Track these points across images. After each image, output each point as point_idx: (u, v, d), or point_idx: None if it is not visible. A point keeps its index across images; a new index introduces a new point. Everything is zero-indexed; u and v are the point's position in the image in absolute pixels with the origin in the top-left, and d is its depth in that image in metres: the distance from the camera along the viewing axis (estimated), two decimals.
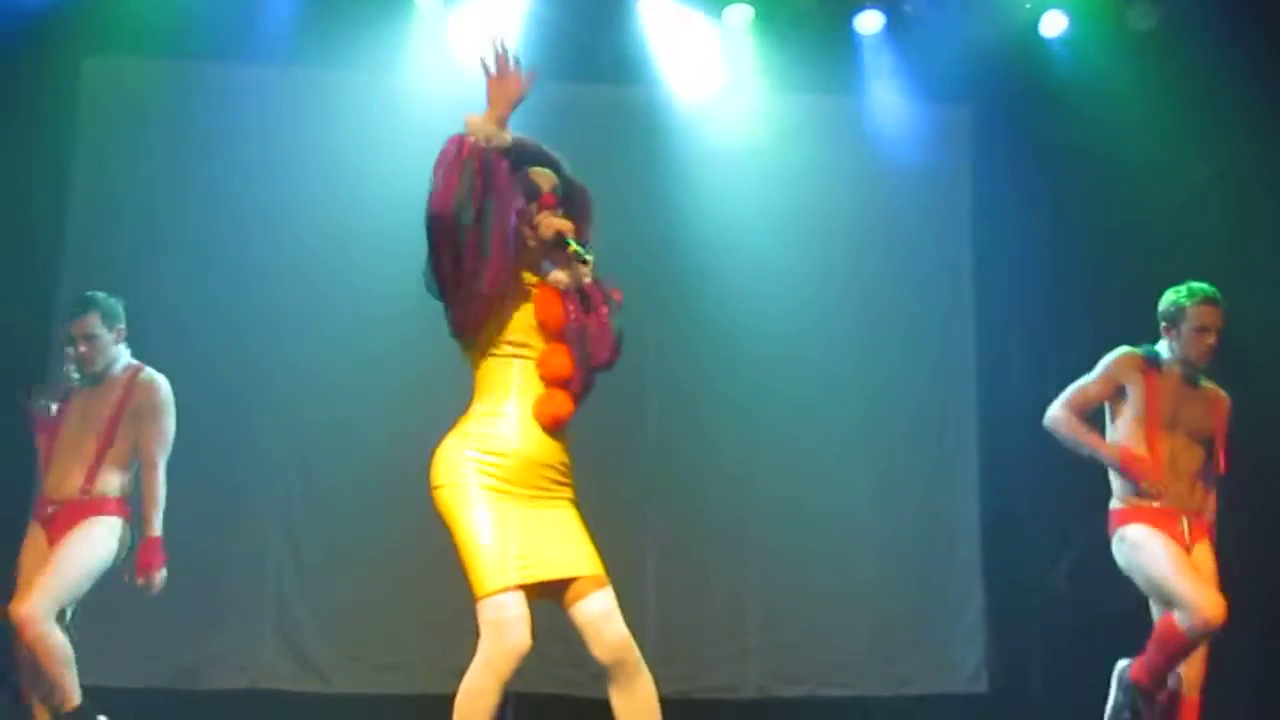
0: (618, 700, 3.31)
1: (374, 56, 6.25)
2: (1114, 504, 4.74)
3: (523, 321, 3.39)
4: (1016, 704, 6.31)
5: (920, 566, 6.51)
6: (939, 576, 6.53)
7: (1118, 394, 4.75)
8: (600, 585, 3.33)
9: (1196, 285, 4.70)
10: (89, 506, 4.75)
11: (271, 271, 6.23)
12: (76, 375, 4.85)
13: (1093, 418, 4.78)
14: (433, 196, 3.21)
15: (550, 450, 3.37)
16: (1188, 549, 4.59)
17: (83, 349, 4.82)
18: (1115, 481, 4.73)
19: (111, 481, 4.80)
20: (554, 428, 3.37)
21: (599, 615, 3.30)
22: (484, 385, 3.41)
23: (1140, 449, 4.64)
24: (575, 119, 6.18)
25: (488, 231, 3.22)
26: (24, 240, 5.98)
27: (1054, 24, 6.36)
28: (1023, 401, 6.54)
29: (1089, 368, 4.81)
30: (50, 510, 4.78)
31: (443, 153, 3.24)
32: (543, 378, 3.38)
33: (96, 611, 5.95)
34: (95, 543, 4.74)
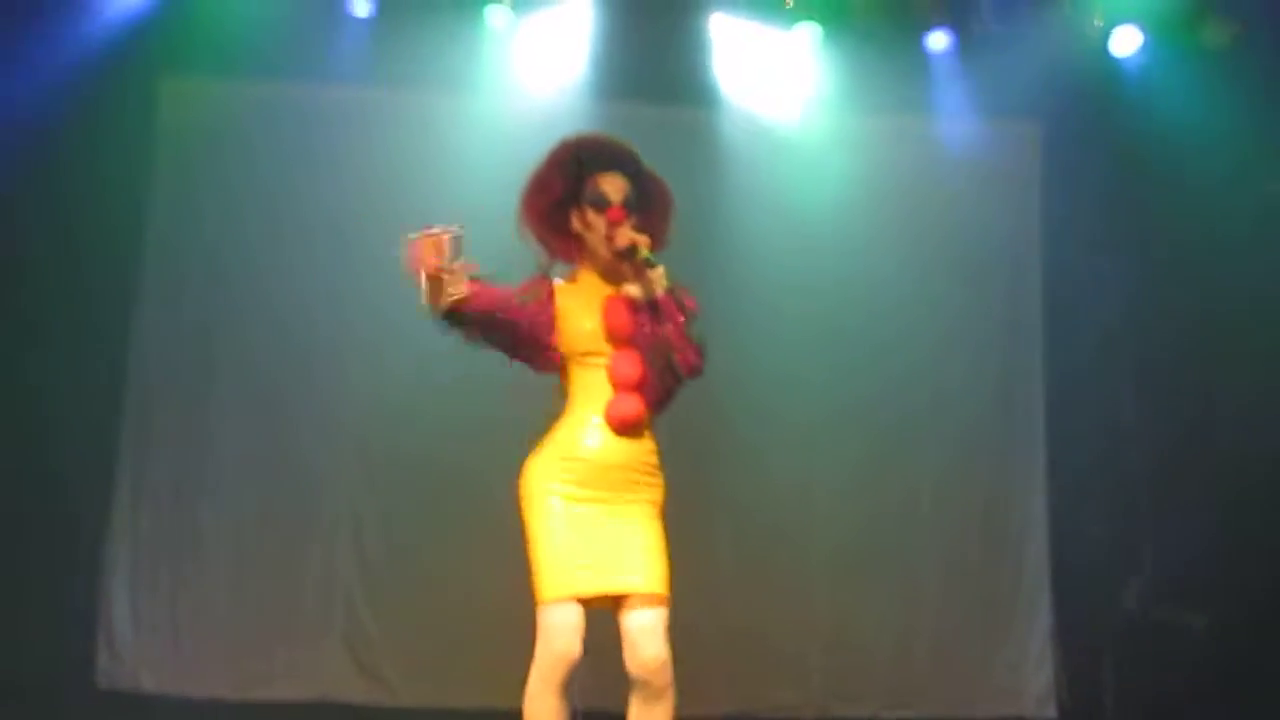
0: (633, 715, 3.38)
1: (448, 77, 6.32)
2: None
3: (593, 332, 3.47)
4: None
5: (987, 587, 6.43)
6: (1006, 597, 6.45)
7: None
8: (652, 603, 3.37)
9: None
10: None
11: (343, 294, 6.29)
12: None
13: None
14: None
15: (626, 452, 3.44)
16: None
17: None
18: None
19: None
20: (624, 430, 3.44)
21: (640, 630, 3.35)
22: (568, 392, 3.52)
23: None
24: (642, 140, 6.20)
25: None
26: (104, 259, 6.11)
27: (1125, 41, 6.30)
28: (1093, 418, 6.49)
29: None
30: None
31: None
32: (612, 383, 3.45)
33: (169, 621, 6.11)
34: None
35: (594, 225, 3.52)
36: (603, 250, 3.51)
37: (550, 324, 3.48)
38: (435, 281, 3.20)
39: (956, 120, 6.58)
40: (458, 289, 3.24)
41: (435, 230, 3.19)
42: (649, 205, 3.58)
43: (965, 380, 6.56)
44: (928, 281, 6.56)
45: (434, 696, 6.08)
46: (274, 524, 6.19)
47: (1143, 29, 6.29)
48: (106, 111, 6.09)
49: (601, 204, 3.50)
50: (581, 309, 3.50)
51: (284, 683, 6.08)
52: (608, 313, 3.48)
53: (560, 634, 3.28)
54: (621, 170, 3.54)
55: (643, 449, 3.48)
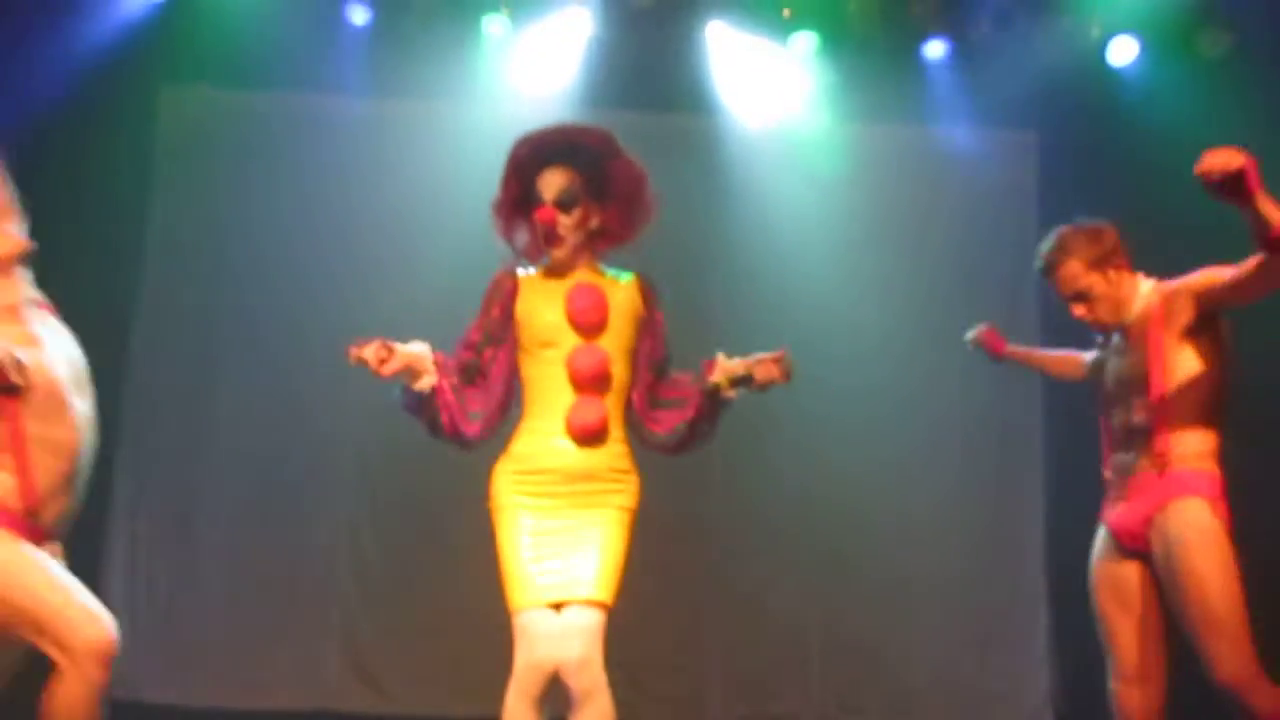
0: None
1: (445, 85, 6.35)
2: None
3: (555, 323, 3.37)
4: None
5: (985, 594, 6.45)
6: (1004, 605, 6.46)
7: None
8: (585, 605, 3.27)
9: None
10: None
11: (341, 299, 6.31)
12: None
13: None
14: None
15: (590, 461, 3.34)
16: None
17: None
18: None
19: None
20: (586, 439, 3.33)
21: (562, 629, 3.26)
22: (525, 394, 3.43)
23: None
24: (639, 148, 6.22)
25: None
26: (104, 264, 6.11)
27: (1122, 50, 6.32)
28: (1091, 425, 6.47)
29: None
30: None
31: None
32: (572, 378, 3.33)
33: (167, 630, 6.11)
34: None
35: (534, 225, 3.43)
36: (547, 251, 3.43)
37: (515, 344, 3.44)
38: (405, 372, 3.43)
39: (953, 129, 6.60)
40: (424, 373, 3.46)
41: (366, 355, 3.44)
42: (607, 194, 3.44)
43: (962, 390, 6.55)
44: (923, 291, 6.57)
45: (433, 704, 6.09)
46: (272, 531, 6.20)
47: (1140, 38, 6.31)
48: (106, 119, 6.12)
49: (536, 201, 3.40)
50: (543, 300, 3.40)
51: (282, 691, 6.08)
52: (573, 298, 3.36)
53: (533, 643, 3.23)
54: (565, 162, 3.41)
55: (609, 454, 3.36)
